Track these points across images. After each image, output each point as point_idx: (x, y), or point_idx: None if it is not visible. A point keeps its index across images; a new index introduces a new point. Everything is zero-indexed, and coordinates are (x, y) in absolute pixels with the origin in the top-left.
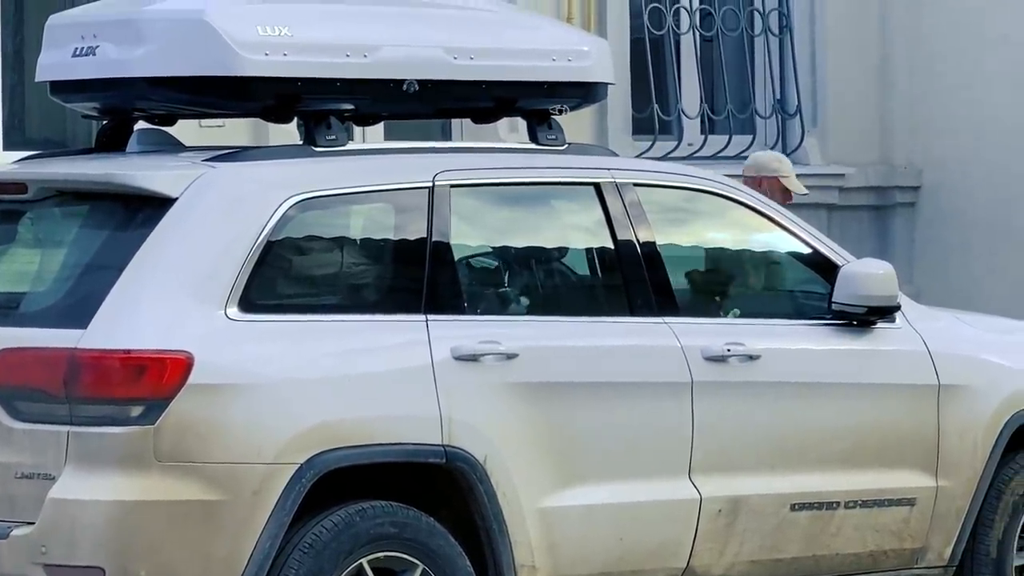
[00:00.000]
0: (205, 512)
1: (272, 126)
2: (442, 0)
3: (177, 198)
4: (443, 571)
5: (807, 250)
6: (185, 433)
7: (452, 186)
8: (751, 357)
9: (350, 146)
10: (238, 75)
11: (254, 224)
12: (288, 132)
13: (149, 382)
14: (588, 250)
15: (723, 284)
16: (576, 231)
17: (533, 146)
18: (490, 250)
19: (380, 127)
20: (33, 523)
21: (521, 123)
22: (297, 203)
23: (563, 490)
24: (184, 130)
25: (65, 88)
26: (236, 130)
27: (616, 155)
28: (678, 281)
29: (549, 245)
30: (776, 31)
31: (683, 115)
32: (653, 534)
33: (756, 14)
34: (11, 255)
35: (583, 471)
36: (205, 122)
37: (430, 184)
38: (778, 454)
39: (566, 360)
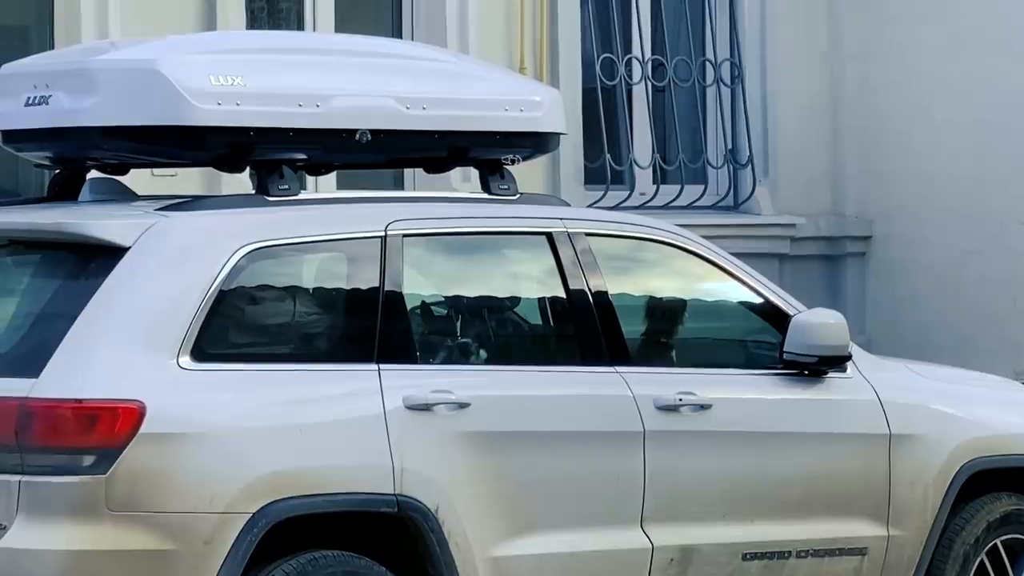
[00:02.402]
0: (157, 562)
1: (225, 175)
2: (395, 50)
3: (129, 247)
4: None
5: (758, 300)
6: (137, 482)
7: (404, 235)
8: (703, 406)
9: (303, 195)
10: (191, 124)
11: (206, 273)
12: (241, 181)
13: (101, 431)
14: (540, 299)
15: (675, 333)
16: (528, 280)
17: (485, 196)
18: (442, 299)
19: (333, 176)
20: None
21: (474, 173)
22: (249, 252)
23: (515, 539)
24: (137, 179)
25: (17, 137)
26: (189, 179)
27: (568, 205)
28: (630, 330)
29: (501, 294)
30: (728, 82)
31: (635, 165)
32: None
33: (708, 64)
34: None
35: (535, 520)
36: (157, 171)
37: (382, 233)
38: (730, 503)
39: (518, 409)
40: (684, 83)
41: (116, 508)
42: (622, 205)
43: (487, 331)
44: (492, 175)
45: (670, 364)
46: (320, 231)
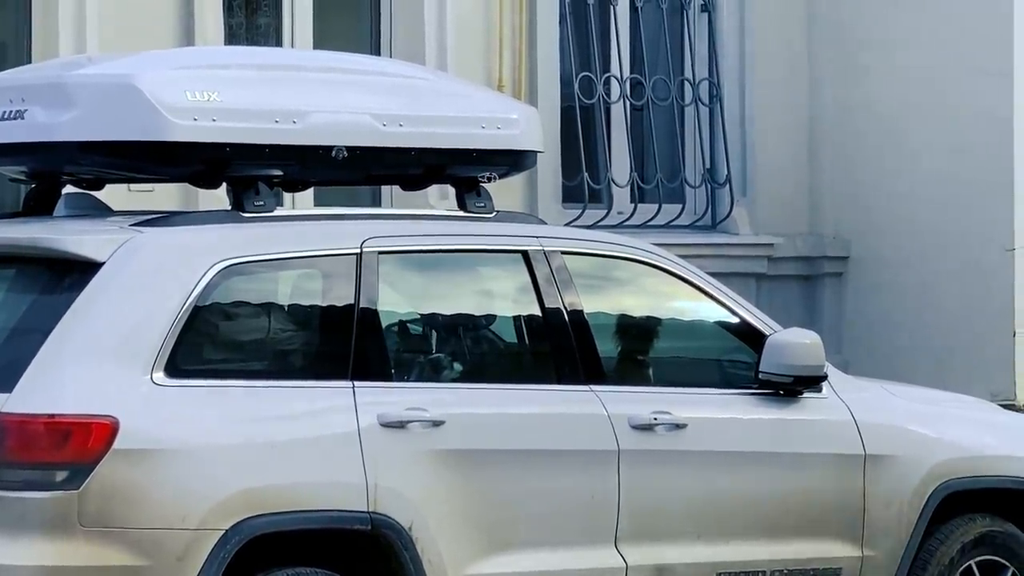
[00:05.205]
0: None
1: (201, 191)
2: (372, 67)
3: (104, 263)
4: None
5: (735, 319)
6: (110, 498)
7: (380, 253)
8: (678, 426)
9: (278, 212)
10: (167, 140)
11: (181, 289)
12: (217, 197)
13: (74, 447)
14: (516, 318)
15: (650, 353)
16: (504, 299)
17: (462, 213)
18: (418, 317)
19: (309, 193)
20: None
21: (450, 190)
22: (224, 268)
23: (489, 558)
24: (112, 194)
25: None
26: (165, 195)
27: (545, 223)
28: (605, 349)
29: (477, 312)
30: (706, 101)
31: (613, 183)
32: None
33: (686, 84)
34: None
35: (509, 539)
36: (134, 186)
37: (358, 251)
38: (704, 523)
39: (493, 428)
40: (662, 102)
41: (89, 524)
42: (599, 224)
43: (462, 349)
44: (468, 193)
45: (645, 383)
46: (295, 248)
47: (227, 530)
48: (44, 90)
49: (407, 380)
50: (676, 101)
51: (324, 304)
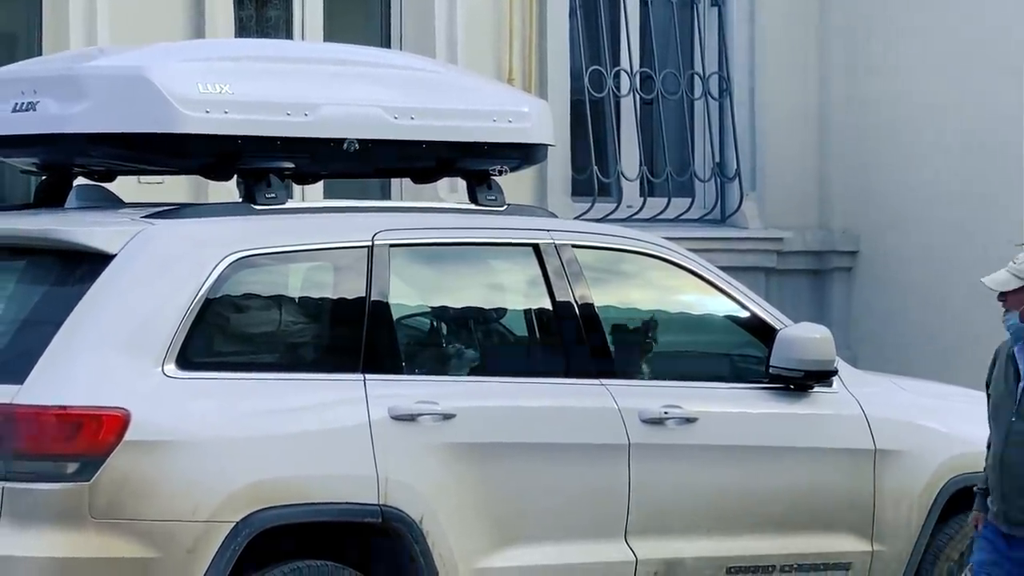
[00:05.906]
0: (139, 570)
1: (212, 183)
2: (383, 60)
3: (116, 255)
4: None
5: (745, 313)
6: (121, 490)
7: (391, 246)
8: (688, 420)
9: (289, 204)
10: (178, 132)
11: (192, 281)
12: (228, 189)
13: (85, 438)
14: (526, 311)
15: (661, 346)
16: (515, 292)
17: (472, 206)
18: (428, 310)
19: (320, 185)
20: None
21: (461, 183)
22: (236, 261)
23: (499, 551)
24: (123, 186)
25: (4, 143)
26: (176, 187)
27: (555, 216)
28: (616, 343)
29: (488, 305)
30: (716, 95)
31: (622, 177)
32: None
33: (696, 77)
34: None
35: (519, 532)
36: (144, 178)
37: (369, 243)
38: (714, 517)
39: (503, 421)
40: (672, 96)
41: (99, 516)
42: (609, 217)
43: (473, 342)
44: (479, 186)
45: (656, 377)
46: (307, 240)
47: (238, 522)
48: (56, 82)
49: (418, 373)
50: (686, 95)
51: (335, 297)
